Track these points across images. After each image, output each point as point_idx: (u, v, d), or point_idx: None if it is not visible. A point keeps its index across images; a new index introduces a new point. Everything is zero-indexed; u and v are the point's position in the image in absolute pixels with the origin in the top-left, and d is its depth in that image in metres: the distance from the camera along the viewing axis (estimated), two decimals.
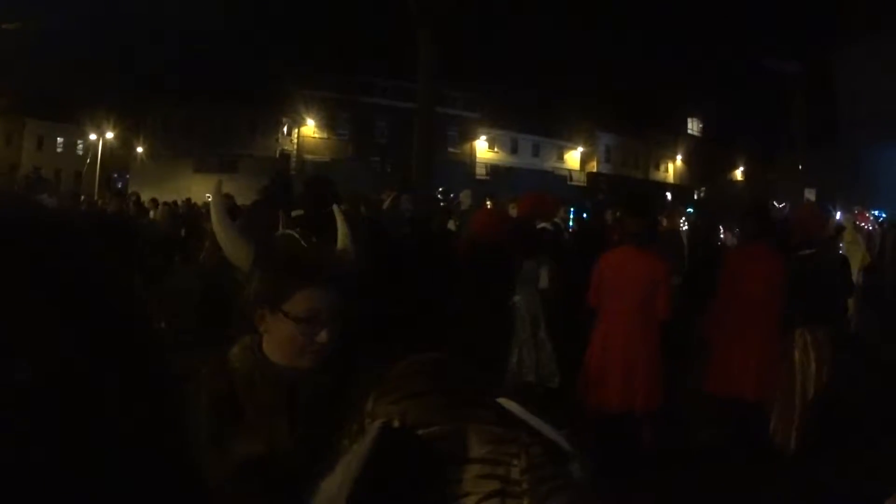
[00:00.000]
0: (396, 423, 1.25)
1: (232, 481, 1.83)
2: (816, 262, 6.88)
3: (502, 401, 1.33)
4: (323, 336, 1.95)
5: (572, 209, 14.60)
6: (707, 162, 74.31)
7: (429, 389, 1.33)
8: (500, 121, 66.40)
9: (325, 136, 61.73)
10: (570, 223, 13.47)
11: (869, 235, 11.05)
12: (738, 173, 77.50)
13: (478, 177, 56.20)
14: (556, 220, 10.63)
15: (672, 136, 78.56)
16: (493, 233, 7.25)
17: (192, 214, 14.93)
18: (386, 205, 9.29)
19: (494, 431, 1.27)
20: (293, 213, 6.21)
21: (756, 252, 6.89)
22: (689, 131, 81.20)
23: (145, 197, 20.90)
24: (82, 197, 18.43)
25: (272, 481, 1.87)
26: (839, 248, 9.61)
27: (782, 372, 6.73)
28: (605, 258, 6.35)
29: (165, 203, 17.79)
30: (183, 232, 11.56)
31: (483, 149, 67.53)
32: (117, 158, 59.74)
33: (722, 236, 14.95)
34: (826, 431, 6.35)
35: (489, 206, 11.38)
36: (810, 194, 24.12)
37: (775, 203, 25.76)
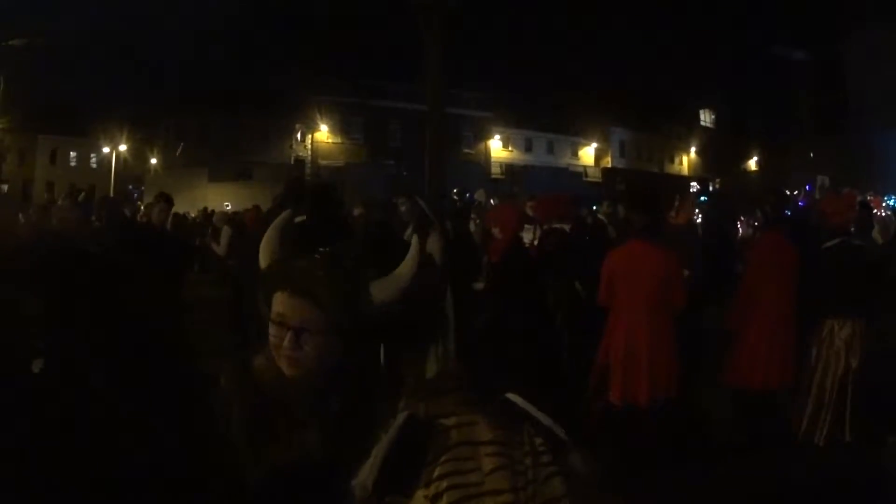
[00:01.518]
0: (421, 414, 1.45)
1: (265, 488, 1.93)
2: (846, 253, 6.84)
3: (510, 395, 1.53)
4: (287, 342, 1.98)
5: (594, 206, 14.52)
6: (721, 153, 73.98)
7: (448, 389, 1.54)
8: (514, 119, 66.42)
9: (339, 140, 61.80)
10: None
11: (883, 222, 10.99)
12: (753, 163, 77.09)
13: (493, 176, 56.27)
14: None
15: (685, 129, 78.29)
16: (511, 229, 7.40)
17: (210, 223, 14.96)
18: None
19: (501, 421, 1.46)
20: (297, 220, 6.23)
21: (773, 242, 6.96)
22: (703, 123, 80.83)
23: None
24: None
25: (303, 486, 1.95)
26: (872, 237, 9.50)
27: (805, 362, 6.78)
28: (612, 255, 6.37)
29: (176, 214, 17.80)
30: (198, 241, 11.60)
31: (497, 148, 67.54)
32: (131, 170, 60.05)
33: (739, 227, 14.87)
34: (852, 423, 6.40)
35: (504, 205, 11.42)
36: (823, 181, 23.95)
37: (787, 191, 25.66)
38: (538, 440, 1.47)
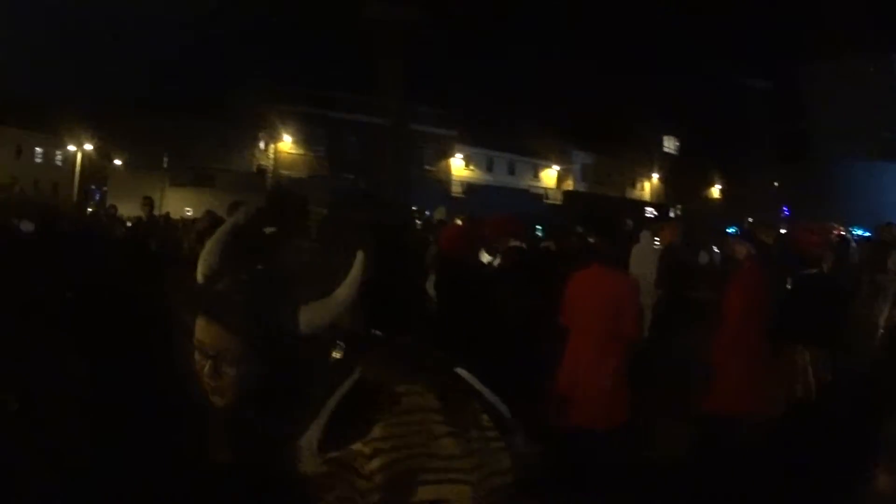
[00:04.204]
0: (370, 378, 1.56)
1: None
2: (817, 282, 7.06)
3: (460, 371, 1.66)
4: (207, 370, 1.84)
5: (539, 227, 14.72)
6: (683, 179, 74.37)
7: (401, 358, 1.65)
8: (476, 139, 66.56)
9: (300, 152, 61.65)
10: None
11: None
12: (715, 190, 77.92)
13: (454, 195, 56.35)
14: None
15: (648, 154, 78.61)
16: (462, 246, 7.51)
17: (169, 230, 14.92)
18: None
19: (450, 393, 1.57)
20: (266, 231, 6.39)
21: (759, 272, 7.06)
22: (665, 149, 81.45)
23: (123, 210, 20.82)
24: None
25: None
26: (847, 267, 9.71)
27: (771, 387, 6.93)
28: (574, 278, 6.44)
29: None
30: (154, 245, 11.48)
31: (459, 166, 67.67)
32: (96, 170, 59.16)
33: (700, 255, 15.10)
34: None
35: (459, 223, 11.52)
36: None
37: (749, 219, 25.98)
38: (484, 416, 1.57)
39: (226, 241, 2.15)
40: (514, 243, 9.04)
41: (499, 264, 8.67)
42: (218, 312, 1.80)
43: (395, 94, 10.74)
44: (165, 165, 47.16)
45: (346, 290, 1.86)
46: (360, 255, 1.96)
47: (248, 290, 1.82)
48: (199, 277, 1.98)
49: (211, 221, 15.37)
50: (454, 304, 7.38)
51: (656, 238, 10.95)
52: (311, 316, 1.79)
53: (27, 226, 11.01)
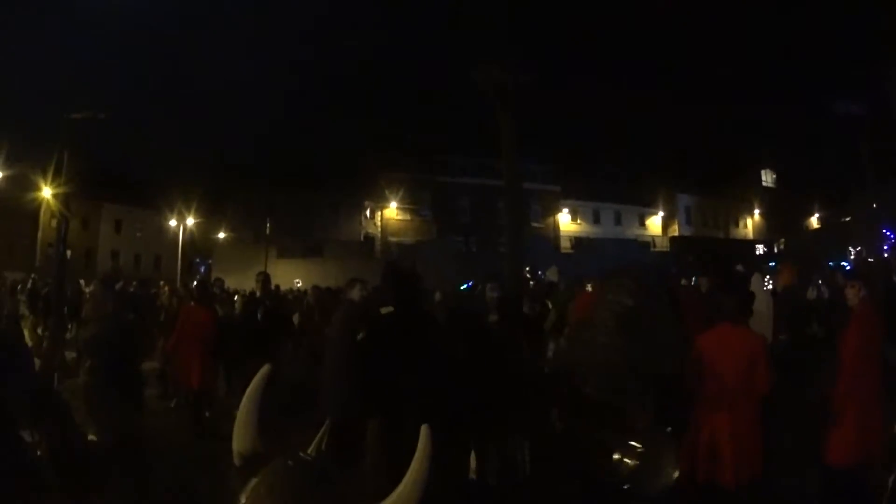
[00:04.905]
0: None
1: None
2: None
3: None
4: None
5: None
6: (783, 212, 72.74)
7: None
8: (581, 191, 66.31)
9: (407, 217, 62.12)
10: None
11: None
12: (814, 220, 75.51)
13: (562, 250, 55.92)
14: None
15: (748, 190, 77.33)
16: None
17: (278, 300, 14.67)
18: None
19: None
20: (382, 311, 6.05)
21: (876, 316, 6.68)
22: (764, 183, 79.71)
23: (230, 283, 21.05)
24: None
25: None
26: None
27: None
28: (702, 339, 6.28)
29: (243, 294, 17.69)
30: (260, 315, 11.31)
31: (566, 221, 67.29)
32: (198, 243, 60.84)
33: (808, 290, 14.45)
34: None
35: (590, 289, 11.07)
36: None
37: (850, 248, 24.96)
38: None
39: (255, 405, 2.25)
40: None
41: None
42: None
43: (510, 154, 10.54)
44: (270, 236, 47.87)
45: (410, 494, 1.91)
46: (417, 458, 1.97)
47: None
48: (235, 445, 2.12)
49: (317, 296, 15.32)
50: None
51: (767, 279, 10.61)
52: None
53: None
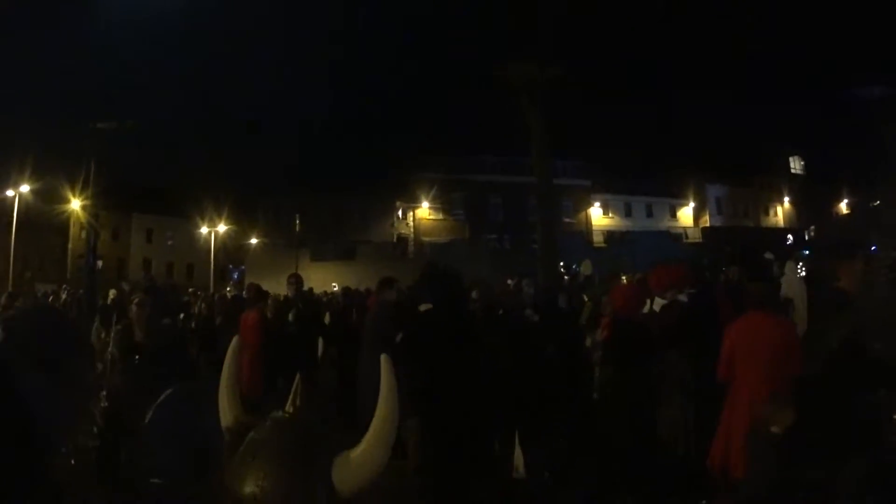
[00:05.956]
0: None
1: None
2: None
3: None
4: None
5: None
6: (812, 199, 71.97)
7: None
8: (612, 185, 66.04)
9: (439, 217, 62.17)
10: None
11: None
12: (843, 206, 74.50)
13: (595, 245, 55.72)
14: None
15: (777, 179, 76.85)
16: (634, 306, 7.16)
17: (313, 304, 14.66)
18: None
19: None
20: (422, 308, 6.08)
21: None
22: (793, 170, 78.90)
23: (264, 288, 21.03)
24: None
25: None
26: None
27: None
28: (732, 328, 6.20)
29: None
30: (291, 317, 11.12)
31: (597, 216, 67.13)
32: (230, 250, 61.18)
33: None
34: None
35: (625, 281, 11.01)
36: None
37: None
38: None
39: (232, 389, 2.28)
40: (677, 297, 8.55)
41: (660, 321, 8.16)
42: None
43: (541, 151, 10.53)
44: (302, 240, 47.92)
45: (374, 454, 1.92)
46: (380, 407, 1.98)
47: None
48: (222, 419, 2.17)
49: (346, 298, 15.33)
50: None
51: (800, 265, 10.55)
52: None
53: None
